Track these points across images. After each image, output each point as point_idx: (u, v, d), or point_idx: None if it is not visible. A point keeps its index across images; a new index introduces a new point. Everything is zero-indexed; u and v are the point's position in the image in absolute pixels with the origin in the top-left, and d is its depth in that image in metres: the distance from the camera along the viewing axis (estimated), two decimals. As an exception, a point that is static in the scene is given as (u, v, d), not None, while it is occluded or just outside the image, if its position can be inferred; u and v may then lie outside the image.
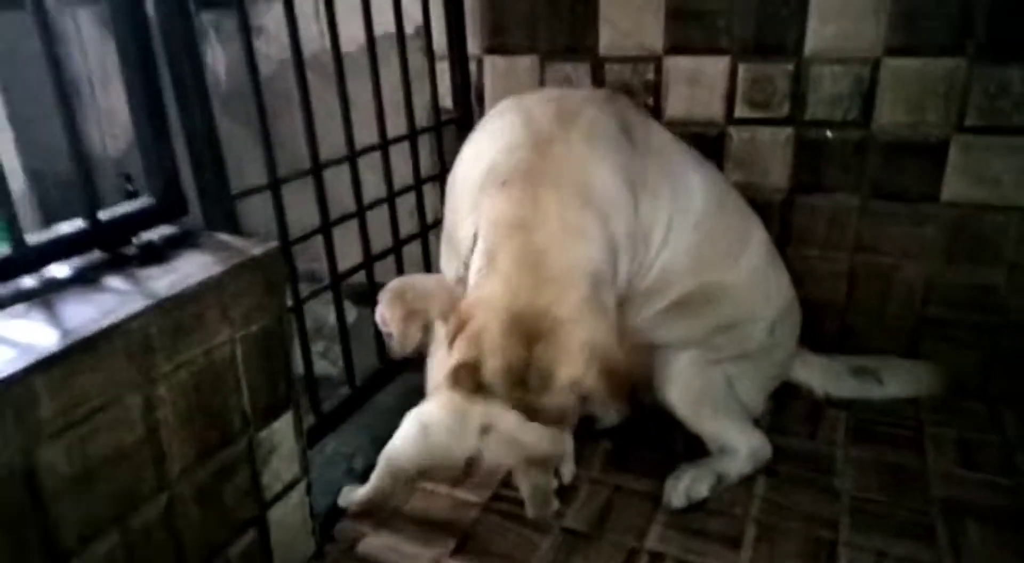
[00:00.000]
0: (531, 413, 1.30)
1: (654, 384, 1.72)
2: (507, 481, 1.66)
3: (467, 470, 1.50)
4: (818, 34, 1.87)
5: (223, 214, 1.38)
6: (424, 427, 1.49)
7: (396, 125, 1.96)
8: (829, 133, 1.94)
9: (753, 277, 1.74)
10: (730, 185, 1.83)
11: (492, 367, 1.26)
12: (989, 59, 1.75)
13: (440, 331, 1.61)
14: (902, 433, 1.85)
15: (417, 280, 1.77)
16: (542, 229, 1.31)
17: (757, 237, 1.78)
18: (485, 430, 1.44)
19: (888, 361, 1.98)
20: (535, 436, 1.43)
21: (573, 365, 1.24)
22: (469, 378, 1.27)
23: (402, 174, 2.01)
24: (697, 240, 1.63)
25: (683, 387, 1.69)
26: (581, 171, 1.38)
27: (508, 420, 1.38)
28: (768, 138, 2.00)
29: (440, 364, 1.55)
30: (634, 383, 1.38)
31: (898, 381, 1.95)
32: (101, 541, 1.04)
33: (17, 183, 2.88)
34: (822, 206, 2.01)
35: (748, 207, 1.82)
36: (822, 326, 2.09)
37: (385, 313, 1.67)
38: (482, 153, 1.49)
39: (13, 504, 0.92)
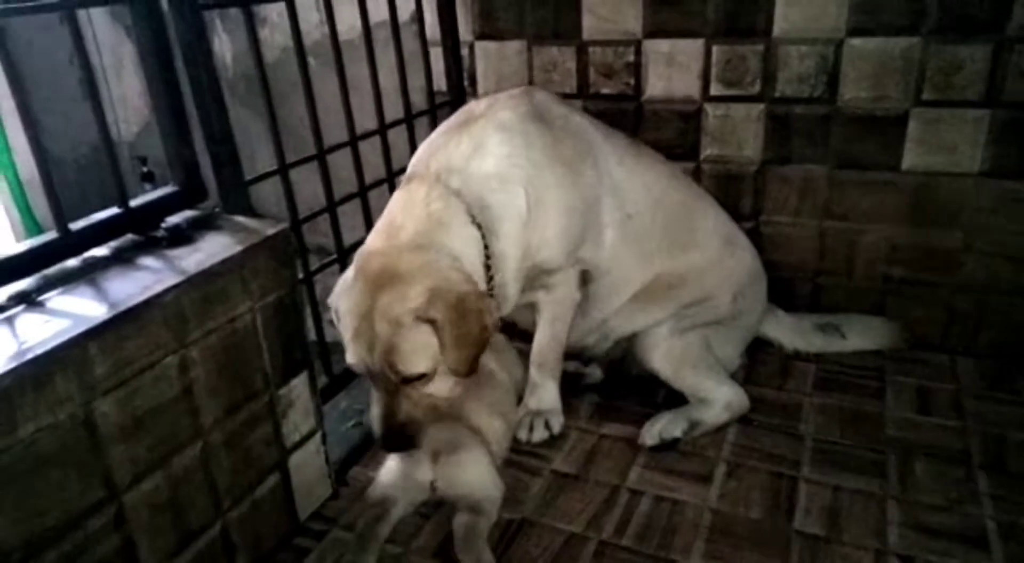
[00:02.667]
0: (398, 363, 1.43)
1: (638, 357, 1.90)
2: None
3: (434, 493, 1.55)
4: (785, 17, 2.00)
5: (239, 199, 1.54)
6: (387, 468, 1.58)
7: (395, 106, 2.10)
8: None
9: (707, 263, 1.93)
10: (675, 180, 1.97)
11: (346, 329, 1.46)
12: (942, 38, 1.88)
13: None
14: (866, 383, 2.02)
15: None
16: (409, 213, 1.55)
17: (704, 225, 1.96)
18: (435, 457, 1.52)
19: (851, 318, 2.15)
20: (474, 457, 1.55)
21: (411, 300, 1.42)
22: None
23: (400, 153, 2.16)
24: (637, 230, 1.83)
25: (664, 352, 1.87)
26: (458, 170, 1.61)
27: (445, 444, 1.51)
28: (741, 114, 2.14)
29: None
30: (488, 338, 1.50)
31: (860, 335, 2.12)
32: (149, 480, 1.22)
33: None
34: (793, 176, 2.15)
35: (697, 198, 1.99)
36: (795, 288, 2.25)
37: None
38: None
39: (78, 448, 1.10)
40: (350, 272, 1.52)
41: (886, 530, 1.53)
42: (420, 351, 1.44)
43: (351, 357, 1.46)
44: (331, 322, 1.58)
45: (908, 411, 1.90)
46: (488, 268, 1.60)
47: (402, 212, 1.56)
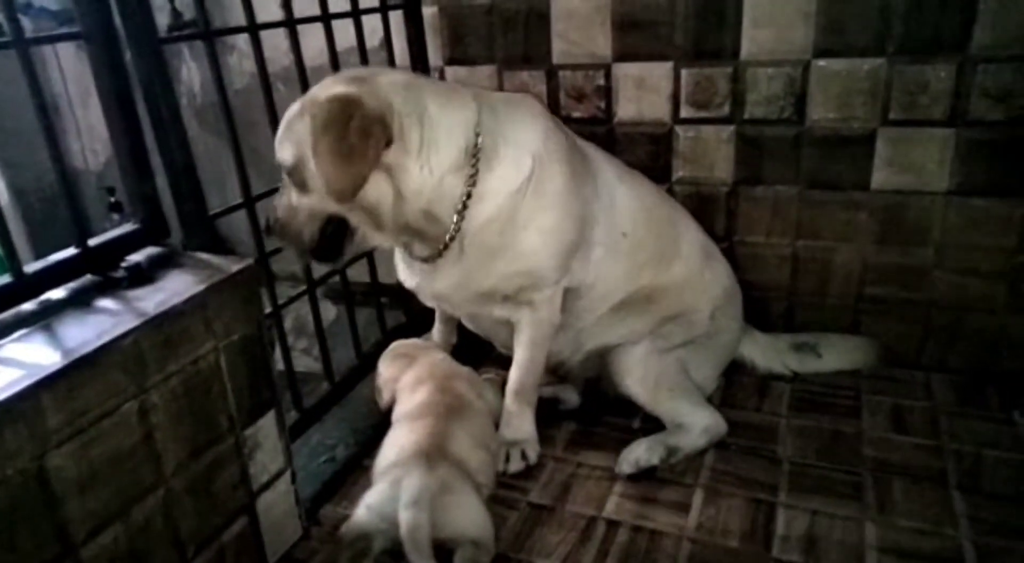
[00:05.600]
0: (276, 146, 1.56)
1: (613, 379, 1.88)
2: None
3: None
4: (753, 39, 2.01)
5: (202, 235, 1.51)
6: (364, 506, 1.49)
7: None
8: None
9: (688, 276, 1.93)
10: (661, 196, 2.00)
11: None
12: (907, 58, 1.89)
13: (405, 380, 1.81)
14: (842, 402, 2.02)
15: (414, 344, 1.98)
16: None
17: (688, 239, 1.97)
18: (423, 501, 1.41)
19: (826, 337, 2.15)
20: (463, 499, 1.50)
21: (317, 94, 1.52)
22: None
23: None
24: (629, 246, 1.81)
25: (640, 375, 1.85)
26: (487, 97, 1.72)
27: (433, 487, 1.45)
28: (712, 136, 2.14)
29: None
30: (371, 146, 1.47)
31: (835, 354, 2.12)
32: (107, 533, 1.18)
33: (2, 199, 2.99)
34: (764, 197, 2.15)
35: (680, 213, 2.01)
36: (769, 307, 2.25)
37: (381, 368, 1.91)
38: None
39: (29, 504, 1.06)
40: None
41: (864, 555, 1.52)
42: (290, 138, 1.52)
43: None
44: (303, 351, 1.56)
45: (884, 430, 1.90)
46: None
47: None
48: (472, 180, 1.59)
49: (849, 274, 2.14)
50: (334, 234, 1.62)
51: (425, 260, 1.71)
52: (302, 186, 1.56)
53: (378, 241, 1.67)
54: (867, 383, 2.09)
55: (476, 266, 1.67)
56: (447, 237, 1.63)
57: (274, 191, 1.80)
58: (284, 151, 1.54)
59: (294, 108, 1.55)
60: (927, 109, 1.92)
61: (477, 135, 1.59)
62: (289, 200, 1.60)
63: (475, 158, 1.59)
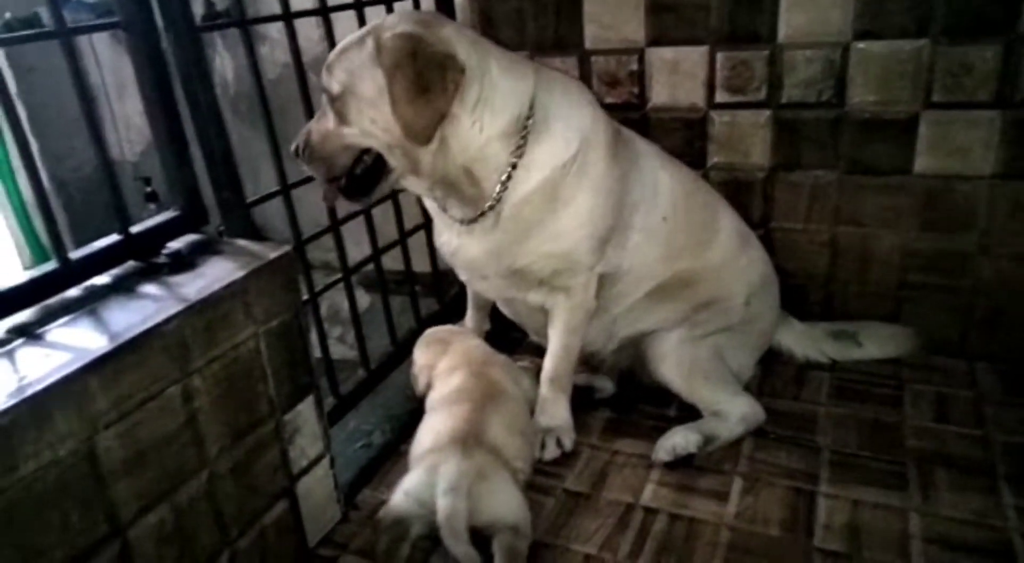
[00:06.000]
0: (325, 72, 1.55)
1: (648, 367, 1.86)
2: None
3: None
4: (790, 22, 1.97)
5: (240, 222, 1.52)
6: (401, 491, 1.50)
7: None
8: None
9: (724, 262, 1.90)
10: (699, 182, 1.98)
11: None
12: (951, 40, 1.84)
13: (441, 366, 1.81)
14: (883, 391, 1.98)
15: (449, 331, 1.98)
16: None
17: (725, 225, 1.94)
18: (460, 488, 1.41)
19: (867, 325, 2.11)
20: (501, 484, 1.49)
21: (384, 29, 1.51)
22: None
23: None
24: (667, 232, 1.79)
25: (675, 362, 1.83)
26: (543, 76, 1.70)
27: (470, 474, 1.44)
28: (748, 120, 2.11)
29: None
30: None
31: (876, 343, 2.08)
32: (153, 513, 1.20)
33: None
34: (802, 182, 2.12)
35: (717, 199, 1.98)
36: (807, 295, 2.21)
37: (417, 355, 1.90)
38: None
39: (80, 484, 1.08)
40: None
41: (909, 545, 1.49)
42: (343, 65, 1.52)
43: None
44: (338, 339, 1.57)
45: (927, 420, 1.86)
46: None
47: None
48: (519, 151, 1.59)
49: (890, 260, 2.10)
50: (370, 171, 1.62)
51: (461, 222, 1.70)
52: (343, 116, 1.54)
53: (413, 186, 1.66)
54: (908, 372, 2.04)
55: (511, 240, 1.66)
56: (486, 205, 1.62)
57: (309, 180, 1.81)
58: (334, 77, 1.52)
59: (353, 37, 1.54)
60: (972, 91, 1.87)
61: (531, 107, 1.59)
62: (326, 127, 1.58)
63: (524, 129, 1.58)
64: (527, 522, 1.50)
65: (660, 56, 2.13)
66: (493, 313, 2.14)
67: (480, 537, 1.44)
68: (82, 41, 2.99)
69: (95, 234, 1.38)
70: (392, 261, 2.13)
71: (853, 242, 2.12)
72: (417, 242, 2.23)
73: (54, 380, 1.04)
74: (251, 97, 2.65)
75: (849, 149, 2.03)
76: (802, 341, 2.09)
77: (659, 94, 2.17)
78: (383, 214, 2.06)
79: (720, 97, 2.11)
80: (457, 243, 1.75)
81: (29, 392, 1.01)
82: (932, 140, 1.94)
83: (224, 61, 2.84)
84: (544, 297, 1.78)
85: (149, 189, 3.05)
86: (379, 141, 1.55)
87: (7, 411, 0.98)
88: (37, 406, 1.01)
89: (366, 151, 1.59)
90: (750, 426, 1.83)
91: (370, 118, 1.52)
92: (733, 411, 1.82)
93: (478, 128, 1.55)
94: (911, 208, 2.03)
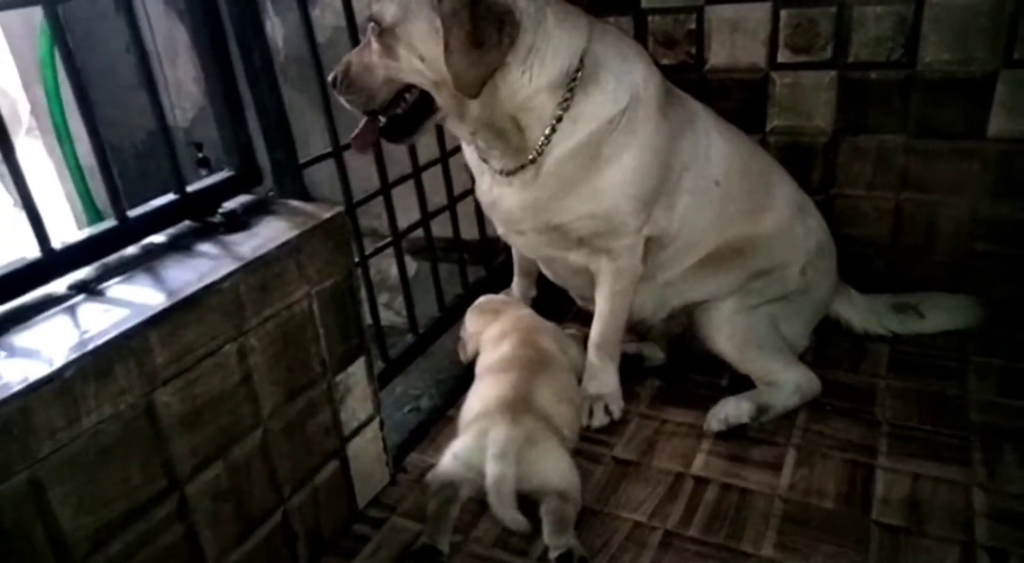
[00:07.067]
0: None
1: (701, 337, 1.82)
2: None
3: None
4: (859, -25, 1.87)
5: (293, 183, 1.52)
6: (449, 455, 1.50)
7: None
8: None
9: (780, 229, 1.84)
10: (755, 146, 1.91)
11: None
12: (1036, -10, 1.74)
13: (489, 333, 1.79)
14: (946, 364, 1.91)
15: (501, 300, 1.97)
16: None
17: (782, 191, 1.87)
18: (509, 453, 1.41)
19: (929, 296, 2.02)
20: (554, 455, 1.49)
21: None
22: None
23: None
24: (719, 196, 1.74)
25: (729, 332, 1.79)
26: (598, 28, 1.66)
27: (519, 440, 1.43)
28: (812, 82, 2.02)
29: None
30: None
31: (940, 315, 2.00)
32: (210, 469, 1.22)
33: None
34: (867, 147, 2.03)
35: (775, 165, 1.91)
36: (869, 264, 2.14)
37: (468, 322, 1.90)
38: None
39: (140, 438, 1.10)
40: None
41: (973, 521, 1.44)
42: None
43: None
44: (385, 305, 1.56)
45: (992, 394, 1.79)
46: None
47: None
48: (566, 104, 1.55)
49: (958, 229, 2.01)
50: (416, 109, 1.59)
51: (501, 172, 1.67)
52: (390, 50, 1.51)
53: (456, 129, 1.64)
54: (973, 344, 1.96)
55: (550, 195, 1.64)
56: (528, 157, 1.60)
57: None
58: (384, 9, 1.48)
59: None
60: (1057, 48, 1.76)
61: (581, 61, 1.56)
62: (370, 58, 1.54)
63: (573, 82, 1.55)
64: (576, 488, 1.49)
65: (719, 14, 2.05)
66: (540, 280, 2.12)
67: (529, 503, 1.43)
68: (135, 6, 3.01)
69: (148, 199, 1.38)
70: (439, 228, 2.11)
71: (919, 210, 2.04)
72: (465, 209, 2.20)
73: (115, 334, 1.05)
74: (301, 62, 2.65)
75: (918, 111, 1.94)
76: (861, 313, 2.02)
77: (717, 54, 2.10)
78: (432, 178, 2.04)
79: (782, 57, 2.03)
80: (497, 193, 1.73)
81: (91, 346, 1.03)
82: (1009, 101, 1.84)
83: (274, 26, 2.83)
84: (586, 258, 1.76)
85: (201, 155, 3.08)
86: (426, 79, 1.52)
87: (70, 364, 1.00)
88: (99, 359, 1.03)
89: (408, 87, 1.56)
90: (805, 397, 1.78)
91: (419, 56, 1.49)
92: (788, 381, 1.77)
93: (528, 78, 1.52)
94: (983, 174, 1.93)
